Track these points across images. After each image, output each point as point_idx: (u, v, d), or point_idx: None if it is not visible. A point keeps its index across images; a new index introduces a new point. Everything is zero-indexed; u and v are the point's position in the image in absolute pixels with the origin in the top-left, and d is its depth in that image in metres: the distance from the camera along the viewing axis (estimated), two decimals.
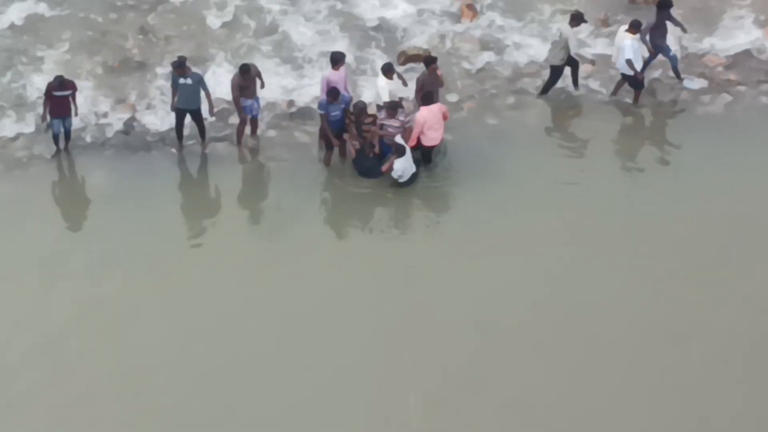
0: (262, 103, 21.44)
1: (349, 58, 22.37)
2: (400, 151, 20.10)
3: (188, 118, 21.17)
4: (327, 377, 17.15)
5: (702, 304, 18.15)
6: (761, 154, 21.09)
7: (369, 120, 20.52)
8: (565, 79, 22.55)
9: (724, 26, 23.80)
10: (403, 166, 20.19)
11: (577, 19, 21.93)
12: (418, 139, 20.54)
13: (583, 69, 22.63)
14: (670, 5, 22.08)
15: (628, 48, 21.52)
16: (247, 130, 21.48)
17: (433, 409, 16.71)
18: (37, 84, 22.04)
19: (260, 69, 21.50)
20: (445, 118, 20.62)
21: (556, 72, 22.22)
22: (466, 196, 20.36)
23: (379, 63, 22.14)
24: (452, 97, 22.33)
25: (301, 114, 22.04)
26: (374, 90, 21.51)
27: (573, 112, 22.39)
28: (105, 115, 22.02)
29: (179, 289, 18.58)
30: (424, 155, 20.79)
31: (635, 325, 17.85)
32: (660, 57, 22.47)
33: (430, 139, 20.56)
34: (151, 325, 18.00)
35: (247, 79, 20.74)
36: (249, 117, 21.22)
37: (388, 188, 20.44)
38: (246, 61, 22.14)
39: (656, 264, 18.85)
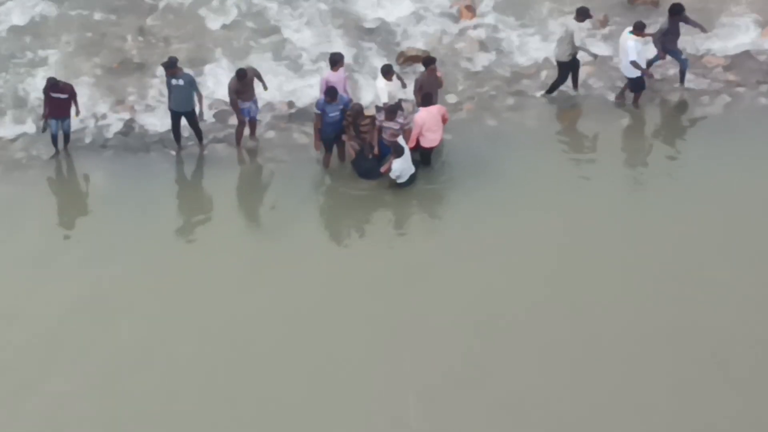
0: (260, 104, 21.42)
1: (348, 60, 22.38)
2: (398, 152, 20.10)
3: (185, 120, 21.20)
4: (326, 377, 17.15)
5: (701, 305, 18.13)
6: (760, 155, 21.07)
7: (366, 122, 20.52)
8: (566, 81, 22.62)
9: (723, 27, 23.78)
10: (401, 167, 20.19)
11: (582, 13, 21.90)
12: (417, 141, 20.54)
13: (583, 70, 22.60)
14: (682, 9, 22.06)
15: (632, 49, 21.50)
16: (246, 131, 21.48)
17: (433, 409, 16.71)
18: (37, 85, 22.04)
19: (259, 70, 21.49)
20: (444, 120, 20.61)
21: (563, 69, 22.18)
22: (465, 196, 20.35)
23: (378, 64, 22.14)
24: (451, 99, 22.34)
25: (301, 115, 22.03)
26: (373, 91, 21.50)
27: (572, 113, 22.39)
28: (104, 116, 22.02)
29: (179, 289, 18.58)
30: (423, 157, 20.79)
31: (634, 325, 17.84)
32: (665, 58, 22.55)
33: (429, 140, 20.55)
34: (151, 325, 18.00)
35: (243, 83, 20.71)
36: (247, 119, 21.21)
37: (387, 189, 20.44)
38: (245, 62, 22.18)
39: (655, 264, 18.84)
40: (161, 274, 18.89)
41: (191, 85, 20.71)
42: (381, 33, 23.82)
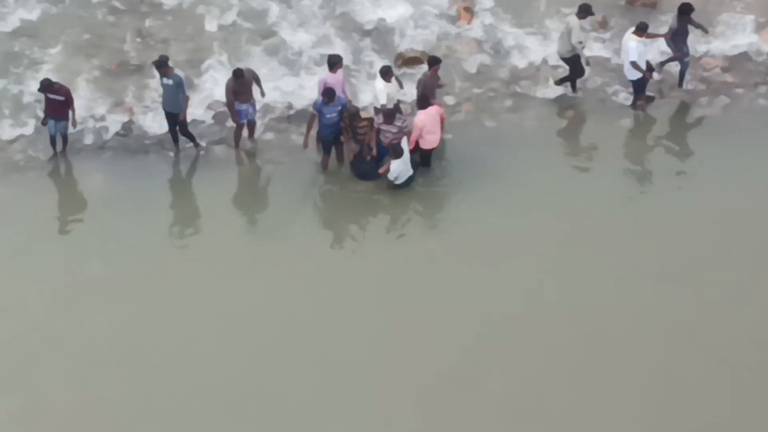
0: (258, 105, 21.38)
1: (347, 61, 22.37)
2: (397, 153, 20.09)
3: None
4: (324, 377, 17.17)
5: (700, 305, 18.16)
6: (759, 156, 21.09)
7: (364, 124, 20.50)
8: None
9: (722, 28, 23.80)
10: (399, 169, 20.18)
11: (584, 10, 21.88)
12: (416, 143, 20.53)
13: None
14: (692, 10, 22.04)
15: (633, 50, 21.49)
16: (245, 132, 21.46)
17: (432, 408, 16.73)
18: (35, 87, 21.95)
19: (258, 71, 21.47)
20: (441, 119, 20.61)
21: (575, 64, 22.17)
22: (464, 197, 20.36)
23: (377, 66, 22.14)
24: (450, 100, 22.35)
25: (299, 117, 22.00)
26: (372, 92, 21.49)
27: (570, 114, 22.38)
28: (102, 117, 22.00)
29: (178, 290, 18.58)
30: (423, 158, 20.79)
31: (633, 325, 17.87)
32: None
33: (429, 142, 20.55)
34: (151, 325, 18.00)
35: (241, 83, 20.68)
36: (245, 121, 21.15)
37: (385, 190, 20.43)
38: (244, 63, 22.13)
39: (655, 264, 18.86)
40: (160, 275, 18.89)
41: (179, 86, 20.61)
42: (379, 34, 23.81)
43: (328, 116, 20.33)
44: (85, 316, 18.17)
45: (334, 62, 20.88)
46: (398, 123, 20.38)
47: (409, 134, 20.38)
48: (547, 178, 20.75)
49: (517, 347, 17.56)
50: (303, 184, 20.80)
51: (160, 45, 23.27)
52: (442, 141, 20.96)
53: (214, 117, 21.98)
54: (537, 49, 23.49)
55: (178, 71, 20.83)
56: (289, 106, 22.33)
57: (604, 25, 23.87)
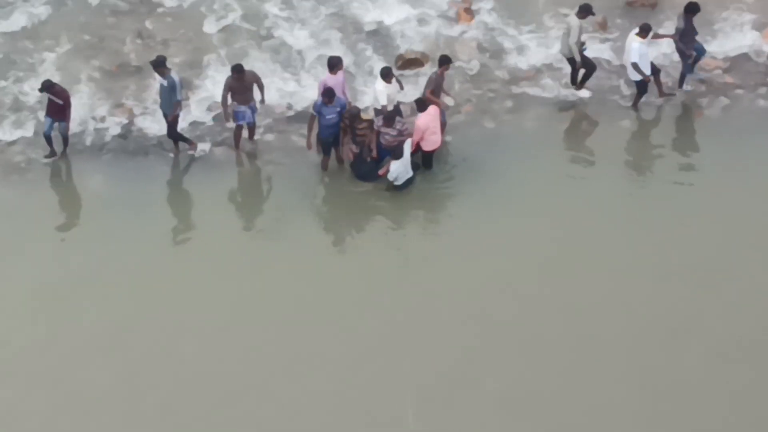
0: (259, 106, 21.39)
1: (347, 63, 22.37)
2: (397, 154, 20.09)
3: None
4: (324, 377, 17.18)
5: (699, 306, 18.17)
6: (759, 157, 21.07)
7: (363, 125, 20.51)
8: (564, 80, 22.63)
9: (722, 29, 23.78)
10: (398, 169, 20.19)
11: (585, 10, 21.86)
12: (418, 144, 20.53)
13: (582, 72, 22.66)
14: (698, 9, 22.01)
15: (635, 51, 21.48)
16: (245, 134, 21.46)
17: (431, 408, 16.73)
18: (36, 89, 21.96)
19: (258, 73, 21.42)
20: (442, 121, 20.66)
21: (587, 63, 22.14)
22: (464, 198, 20.37)
23: (377, 67, 22.14)
24: (450, 101, 22.28)
25: (299, 118, 22.01)
26: (372, 94, 21.49)
27: (570, 115, 22.38)
28: (103, 119, 22.01)
29: (178, 290, 18.61)
30: (425, 160, 20.78)
31: (632, 325, 17.88)
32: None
33: (431, 143, 20.55)
34: (151, 326, 18.04)
35: (240, 82, 20.65)
36: (243, 123, 21.11)
37: (385, 191, 20.43)
38: (244, 66, 22.09)
39: (653, 265, 18.87)
40: (161, 276, 18.92)
41: (172, 88, 20.60)
42: (379, 36, 23.81)
43: (327, 117, 20.33)
44: (85, 316, 18.19)
45: (334, 64, 20.87)
46: (398, 126, 20.37)
47: (409, 136, 20.37)
48: (546, 179, 20.75)
49: (516, 347, 17.57)
50: (303, 184, 20.81)
51: (160, 46, 23.26)
52: (443, 142, 20.96)
53: (214, 118, 21.97)
54: (537, 50, 23.48)
55: (173, 74, 20.78)
56: (289, 108, 22.33)
57: (604, 25, 23.86)
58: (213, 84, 22.34)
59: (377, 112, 20.86)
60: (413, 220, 20.34)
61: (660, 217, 19.79)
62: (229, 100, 20.85)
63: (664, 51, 22.95)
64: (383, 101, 20.73)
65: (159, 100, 21.09)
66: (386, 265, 19.10)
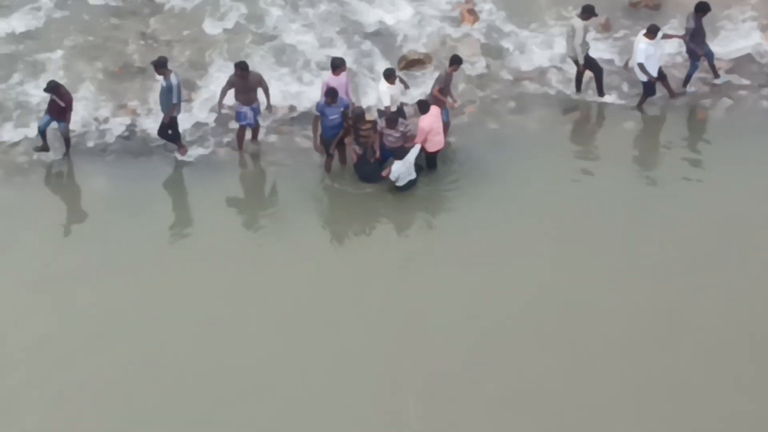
0: (262, 108, 21.38)
1: (350, 64, 22.37)
2: (400, 155, 20.10)
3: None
4: (324, 376, 17.17)
5: (701, 306, 18.13)
6: (762, 157, 21.05)
7: (367, 126, 20.52)
8: (570, 83, 22.62)
9: (726, 30, 23.77)
10: (399, 170, 20.19)
11: (587, 11, 21.84)
12: (421, 146, 20.54)
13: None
14: (709, 9, 21.98)
15: (641, 52, 21.46)
16: (248, 135, 21.47)
17: (432, 407, 16.71)
18: (39, 90, 22.01)
19: (261, 74, 21.38)
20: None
21: (593, 66, 22.14)
22: (467, 198, 20.35)
23: (380, 68, 22.15)
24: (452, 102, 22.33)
25: (302, 119, 22.03)
26: (375, 95, 21.51)
27: (574, 116, 22.38)
28: (106, 120, 22.04)
29: (180, 291, 18.59)
30: (429, 161, 20.78)
31: (631, 324, 17.85)
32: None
33: (435, 143, 20.54)
34: (152, 327, 18.01)
35: (244, 78, 20.64)
36: (245, 123, 21.12)
37: (388, 192, 20.44)
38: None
39: (655, 264, 18.83)
40: (163, 276, 18.91)
41: (169, 90, 20.60)
42: (382, 37, 23.84)
43: (330, 117, 20.35)
44: (86, 317, 18.18)
45: (337, 65, 20.88)
46: (401, 128, 20.38)
47: (412, 138, 20.37)
48: (550, 180, 20.73)
49: (517, 347, 17.54)
50: (306, 186, 20.83)
51: (164, 47, 23.29)
52: (446, 143, 20.96)
53: (216, 120, 21.99)
54: (541, 50, 23.49)
55: (173, 76, 20.72)
56: (292, 109, 22.35)
57: (607, 27, 23.85)
58: (216, 85, 22.28)
59: (380, 113, 20.88)
60: (416, 221, 20.35)
61: (663, 218, 19.76)
62: (232, 100, 20.88)
63: (668, 51, 22.90)
64: (387, 102, 20.74)
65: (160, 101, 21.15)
66: (389, 264, 19.08)
